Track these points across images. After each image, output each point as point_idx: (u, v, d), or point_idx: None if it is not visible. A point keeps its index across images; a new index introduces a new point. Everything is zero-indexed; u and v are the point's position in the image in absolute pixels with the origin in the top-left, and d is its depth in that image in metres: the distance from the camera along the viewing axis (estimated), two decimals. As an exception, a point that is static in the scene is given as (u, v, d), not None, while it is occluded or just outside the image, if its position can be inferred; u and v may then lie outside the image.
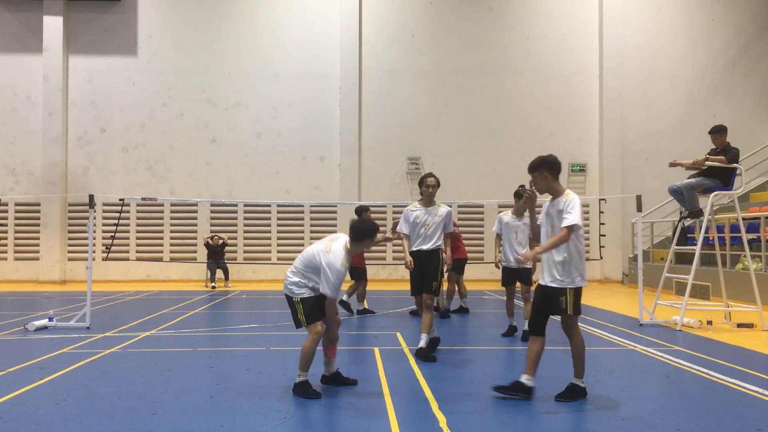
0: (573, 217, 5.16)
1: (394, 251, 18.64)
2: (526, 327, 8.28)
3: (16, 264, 18.87)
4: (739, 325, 9.54)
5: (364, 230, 5.80)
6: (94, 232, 14.12)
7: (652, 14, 19.52)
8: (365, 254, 11.66)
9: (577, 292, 5.32)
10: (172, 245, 19.03)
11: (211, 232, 18.53)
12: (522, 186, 8.04)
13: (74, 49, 19.05)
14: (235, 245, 18.91)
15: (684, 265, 14.43)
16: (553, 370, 6.62)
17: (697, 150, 11.36)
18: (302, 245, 19.03)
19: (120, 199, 12.41)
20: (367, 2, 19.28)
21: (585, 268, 5.35)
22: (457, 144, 19.20)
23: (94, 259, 9.97)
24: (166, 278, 18.91)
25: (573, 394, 5.40)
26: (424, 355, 7.04)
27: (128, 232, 18.78)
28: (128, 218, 18.68)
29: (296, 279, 5.83)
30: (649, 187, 17.27)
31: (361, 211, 11.48)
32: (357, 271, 11.45)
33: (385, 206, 17.58)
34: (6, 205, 18.74)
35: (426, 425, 4.68)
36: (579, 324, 5.56)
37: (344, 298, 11.29)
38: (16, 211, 18.96)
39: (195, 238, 18.92)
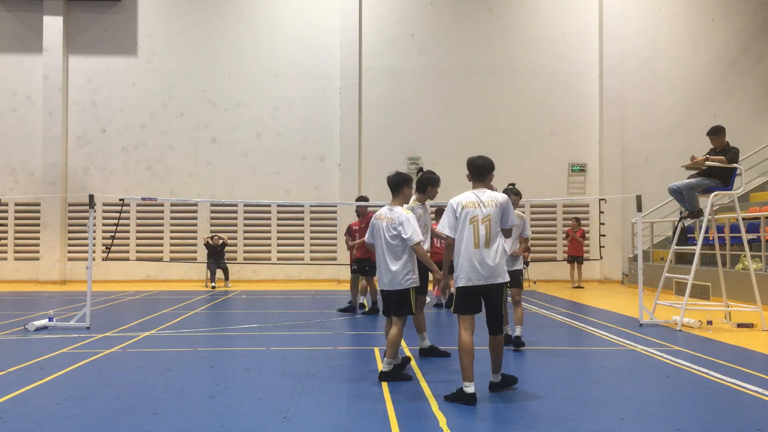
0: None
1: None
2: (518, 332, 7.63)
3: (16, 264, 18.87)
4: (739, 325, 9.53)
5: (399, 181, 6.33)
6: (94, 232, 14.12)
7: (652, 14, 19.52)
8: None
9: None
10: (172, 245, 19.03)
11: (211, 232, 18.53)
12: (511, 184, 7.83)
13: (74, 49, 19.06)
14: (235, 245, 18.91)
15: (684, 265, 14.43)
16: (553, 370, 6.63)
17: (697, 150, 11.35)
18: (302, 245, 19.06)
19: (120, 199, 12.40)
20: (367, 2, 19.28)
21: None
22: (457, 144, 19.18)
23: (94, 259, 9.97)
24: (166, 278, 18.91)
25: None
26: (434, 352, 7.16)
27: (128, 232, 18.78)
28: (128, 218, 18.68)
29: (396, 268, 6.08)
30: (649, 187, 17.26)
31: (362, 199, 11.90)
32: (373, 266, 11.61)
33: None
34: (6, 205, 18.74)
35: (426, 425, 4.68)
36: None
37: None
38: (16, 211, 18.96)
39: (195, 238, 18.92)
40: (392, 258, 6.09)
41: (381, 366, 6.70)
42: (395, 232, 6.06)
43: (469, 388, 5.19)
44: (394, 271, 6.07)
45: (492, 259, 5.26)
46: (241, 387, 5.82)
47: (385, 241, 6.14)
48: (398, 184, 6.31)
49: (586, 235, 18.26)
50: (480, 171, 5.48)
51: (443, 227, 5.36)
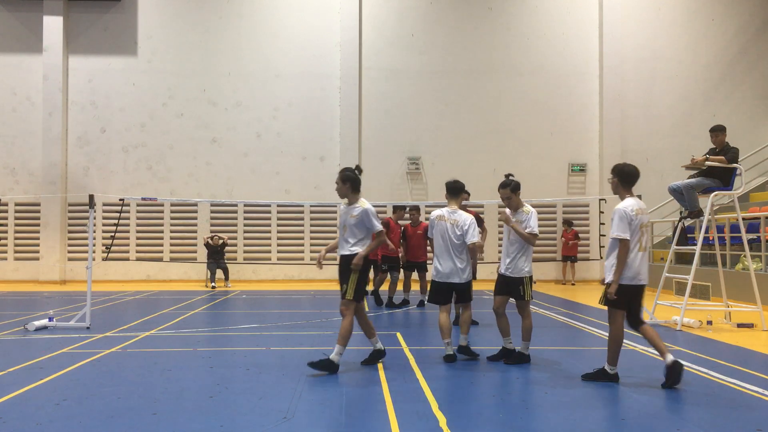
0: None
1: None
2: (519, 348, 6.93)
3: (16, 264, 18.87)
4: (739, 325, 9.54)
5: (459, 187, 7.10)
6: (94, 232, 14.12)
7: (652, 14, 19.51)
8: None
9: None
10: (172, 245, 19.02)
11: (211, 232, 18.53)
12: (509, 174, 7.10)
13: (74, 49, 19.05)
14: (235, 245, 18.91)
15: (684, 265, 14.43)
16: (553, 371, 6.63)
17: (697, 150, 11.36)
18: (302, 245, 19.05)
19: (120, 199, 12.43)
20: (367, 2, 19.27)
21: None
22: (457, 144, 19.20)
23: (94, 259, 9.97)
24: (166, 278, 18.91)
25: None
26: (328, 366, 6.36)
27: (128, 232, 18.78)
28: (128, 218, 18.68)
29: (462, 264, 6.92)
30: (649, 187, 17.19)
31: (396, 209, 12.89)
32: (391, 261, 12.07)
33: (385, 206, 17.58)
34: (6, 205, 18.74)
35: (426, 425, 4.68)
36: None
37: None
38: (16, 211, 18.96)
39: (195, 238, 18.92)
40: (457, 255, 6.88)
41: (381, 366, 6.71)
42: (460, 233, 6.85)
43: (614, 370, 6.00)
44: (460, 267, 6.89)
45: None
46: (241, 387, 5.82)
47: (450, 241, 6.88)
48: (459, 189, 7.09)
49: (583, 235, 18.56)
50: (634, 178, 6.09)
51: (623, 231, 5.77)
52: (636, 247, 5.81)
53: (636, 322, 6.04)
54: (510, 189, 6.91)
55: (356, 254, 6.44)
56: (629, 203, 5.88)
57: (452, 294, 7.04)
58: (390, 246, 12.04)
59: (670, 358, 5.75)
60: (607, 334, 6.11)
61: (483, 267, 17.68)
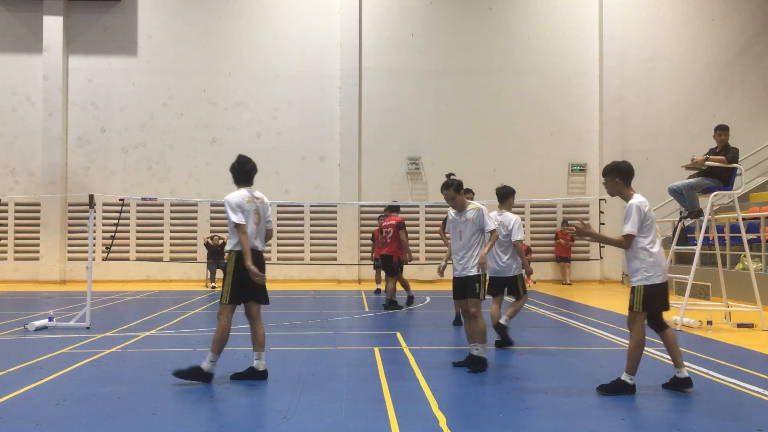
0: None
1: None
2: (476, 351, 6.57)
3: (16, 264, 18.87)
4: (739, 325, 9.54)
5: (506, 192, 7.87)
6: (94, 232, 14.12)
7: (652, 14, 19.51)
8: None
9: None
10: (172, 245, 19.02)
11: (211, 232, 18.52)
12: (450, 174, 6.80)
13: (74, 49, 19.06)
14: (235, 245, 18.88)
15: (684, 265, 14.43)
16: (553, 370, 6.62)
17: (697, 150, 11.36)
18: (302, 245, 19.06)
19: (120, 199, 12.43)
20: (367, 2, 19.28)
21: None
22: (457, 144, 19.19)
23: (94, 259, 9.97)
24: (166, 278, 18.91)
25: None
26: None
27: (128, 232, 18.78)
28: (128, 218, 18.68)
29: (507, 259, 7.63)
30: (649, 187, 17.15)
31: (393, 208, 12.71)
32: (390, 263, 12.04)
33: (385, 206, 17.58)
34: (6, 205, 18.74)
35: (426, 425, 4.67)
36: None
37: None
38: (16, 211, 18.96)
39: (195, 238, 18.92)
40: (502, 252, 7.59)
41: (381, 366, 6.71)
42: (506, 232, 7.57)
43: (633, 381, 5.55)
44: (506, 262, 7.59)
45: None
46: (241, 387, 5.82)
47: (498, 240, 7.42)
48: (506, 195, 7.89)
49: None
50: (633, 173, 5.99)
51: (633, 226, 5.50)
52: (657, 243, 5.54)
53: (659, 325, 5.70)
54: (453, 189, 6.60)
55: (234, 250, 5.94)
56: (641, 199, 5.66)
57: (504, 287, 7.73)
58: (408, 254, 11.97)
59: (685, 373, 5.58)
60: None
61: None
